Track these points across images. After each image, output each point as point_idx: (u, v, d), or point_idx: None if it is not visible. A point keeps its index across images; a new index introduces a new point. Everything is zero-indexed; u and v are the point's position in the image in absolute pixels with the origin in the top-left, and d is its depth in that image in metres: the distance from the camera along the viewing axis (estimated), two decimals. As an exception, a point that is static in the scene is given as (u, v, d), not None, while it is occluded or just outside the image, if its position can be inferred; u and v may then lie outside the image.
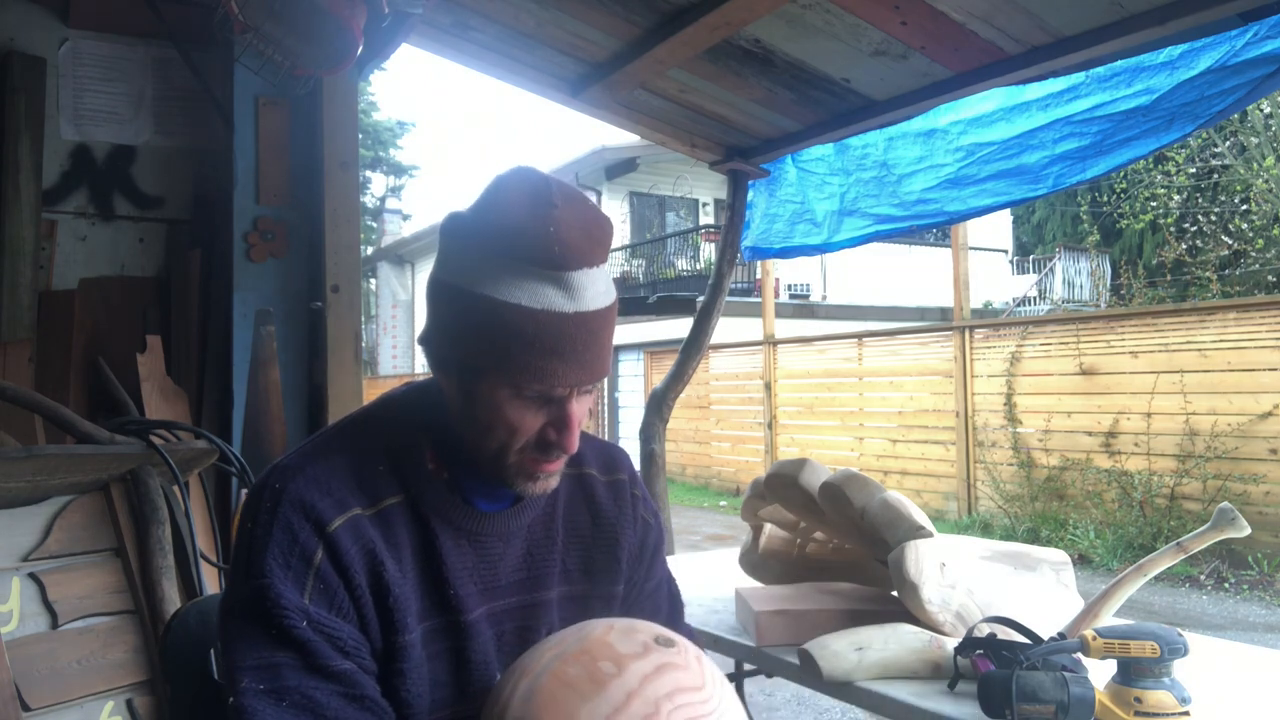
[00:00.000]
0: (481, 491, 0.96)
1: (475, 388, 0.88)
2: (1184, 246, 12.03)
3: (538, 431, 0.89)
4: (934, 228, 3.22)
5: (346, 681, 0.84)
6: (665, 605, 1.14)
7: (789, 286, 14.48)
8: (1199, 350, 6.52)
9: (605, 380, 14.87)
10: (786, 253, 3.37)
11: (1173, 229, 12.45)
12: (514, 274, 0.84)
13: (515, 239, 0.84)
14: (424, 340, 0.92)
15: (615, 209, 15.54)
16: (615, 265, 15.28)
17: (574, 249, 0.84)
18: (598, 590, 1.05)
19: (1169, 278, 13.29)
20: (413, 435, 0.95)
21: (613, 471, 1.11)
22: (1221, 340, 6.41)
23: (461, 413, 0.91)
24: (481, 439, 0.90)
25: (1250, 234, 12.08)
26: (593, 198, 15.55)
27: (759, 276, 12.05)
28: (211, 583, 2.21)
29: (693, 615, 1.89)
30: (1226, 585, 6.07)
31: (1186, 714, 1.23)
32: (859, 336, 9.70)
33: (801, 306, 13.90)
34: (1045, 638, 1.36)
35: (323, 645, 0.84)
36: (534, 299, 0.83)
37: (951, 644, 1.44)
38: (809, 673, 1.49)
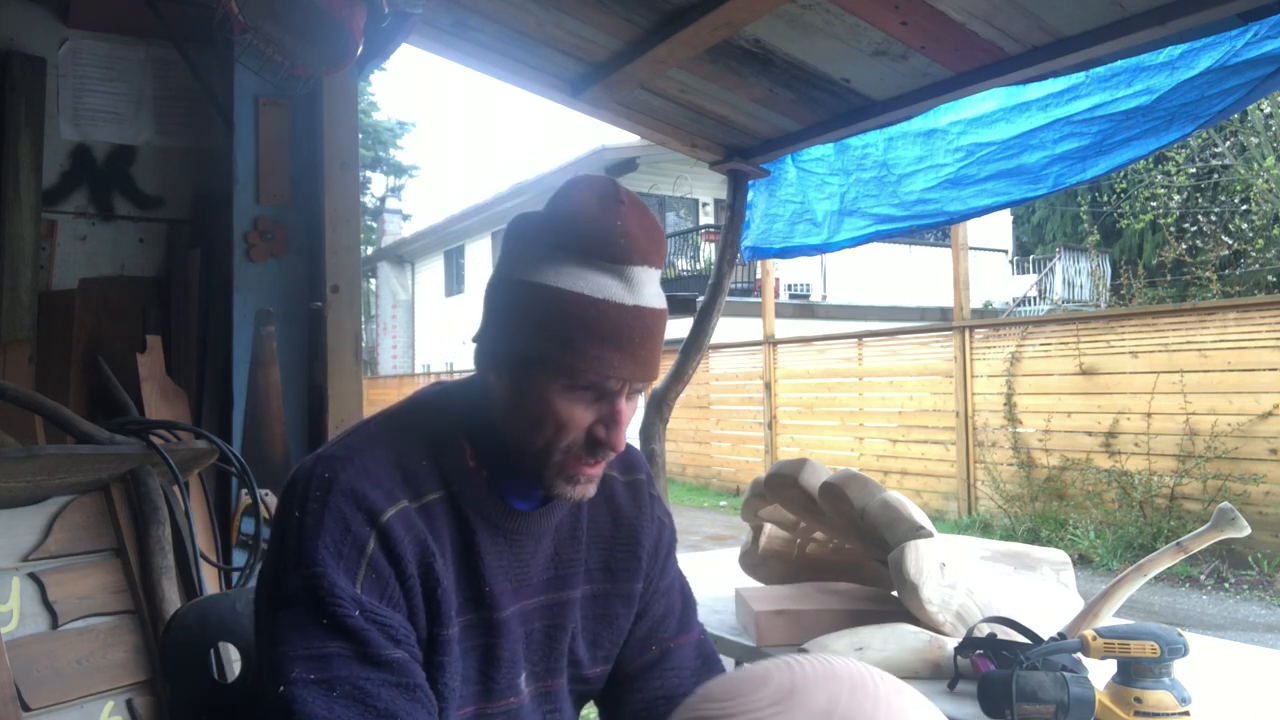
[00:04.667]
0: (517, 490, 0.96)
1: (528, 382, 0.89)
2: (1184, 246, 12.03)
3: (586, 429, 0.90)
4: (934, 228, 3.22)
5: (398, 670, 0.84)
6: (678, 603, 1.15)
7: (789, 286, 14.49)
8: (1199, 350, 6.52)
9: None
10: (786, 253, 3.37)
11: (1173, 229, 12.45)
12: (578, 265, 0.87)
13: (582, 231, 0.87)
14: (478, 337, 0.93)
15: (615, 209, 15.52)
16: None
17: (637, 245, 0.87)
18: (619, 589, 1.06)
19: (1169, 278, 13.30)
20: (452, 432, 0.95)
21: (631, 472, 1.12)
22: (1221, 340, 6.41)
23: (510, 410, 0.91)
24: (528, 435, 0.90)
25: (1250, 234, 12.08)
26: (593, 198, 15.61)
27: (759, 276, 12.06)
28: (211, 583, 2.21)
29: (693, 615, 1.89)
30: (1226, 585, 6.07)
31: (1186, 714, 1.23)
32: (859, 336, 9.70)
33: (801, 306, 13.91)
34: (1045, 638, 1.36)
35: (375, 634, 0.83)
36: (596, 289, 0.86)
37: (951, 644, 1.44)
38: (809, 673, 1.49)
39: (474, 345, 0.95)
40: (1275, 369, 6.11)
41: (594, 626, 1.05)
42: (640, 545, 1.08)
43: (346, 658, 0.82)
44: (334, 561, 0.83)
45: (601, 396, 0.89)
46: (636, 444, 3.67)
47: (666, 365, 3.54)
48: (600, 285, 0.86)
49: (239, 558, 2.43)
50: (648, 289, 0.88)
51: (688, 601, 1.17)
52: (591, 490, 0.95)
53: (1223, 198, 12.66)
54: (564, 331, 0.86)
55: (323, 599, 0.82)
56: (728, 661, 1.89)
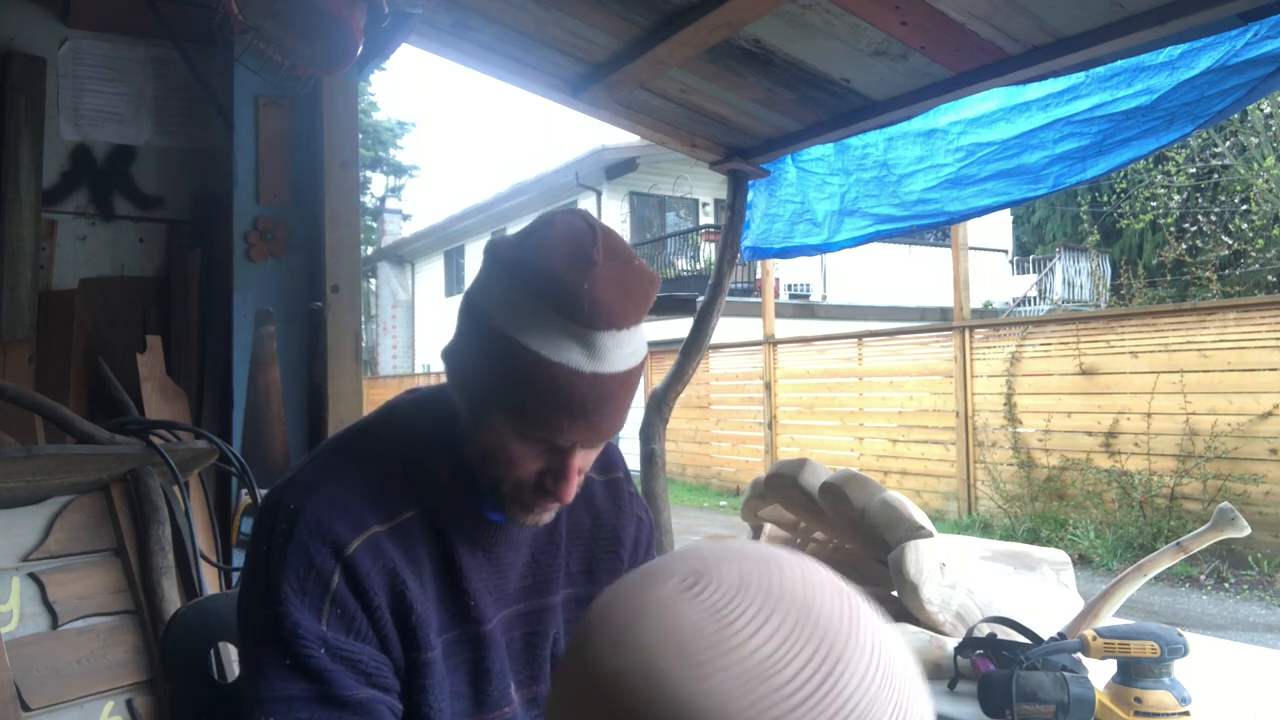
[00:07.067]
0: (491, 501, 0.96)
1: (483, 417, 0.87)
2: (1184, 246, 12.03)
3: (535, 475, 0.88)
4: (934, 228, 3.22)
5: (363, 711, 0.83)
6: None
7: (789, 286, 14.49)
8: (1199, 350, 6.52)
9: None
10: (786, 253, 3.37)
11: (1173, 229, 12.45)
12: (540, 322, 0.81)
13: (548, 287, 0.81)
14: (446, 355, 0.91)
15: (615, 209, 15.53)
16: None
17: (605, 310, 0.81)
18: (600, 590, 1.05)
19: (1169, 278, 13.30)
20: (426, 446, 0.94)
21: (609, 470, 1.11)
22: (1221, 340, 6.40)
23: (469, 435, 0.90)
24: (482, 465, 0.90)
25: (1250, 234, 12.08)
26: (593, 198, 15.60)
27: (759, 276, 12.06)
28: (211, 583, 2.21)
29: (693, 615, 1.88)
30: (1226, 585, 6.07)
31: (1186, 714, 1.23)
32: (859, 336, 9.70)
33: (801, 306, 13.90)
34: (1045, 638, 1.36)
35: (341, 674, 0.83)
36: (554, 351, 0.81)
37: (951, 644, 1.44)
38: (809, 673, 1.49)
39: (443, 361, 0.92)
40: (1275, 369, 6.11)
41: None
42: (621, 545, 1.07)
43: (309, 700, 0.82)
44: (298, 600, 0.83)
45: (552, 449, 0.87)
46: (636, 444, 3.68)
47: (666, 365, 3.55)
48: (558, 348, 0.81)
49: (239, 558, 2.43)
50: (613, 354, 0.83)
51: None
52: (548, 517, 0.93)
53: (1223, 198, 12.65)
54: (516, 387, 0.83)
55: (286, 639, 0.82)
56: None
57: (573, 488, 0.88)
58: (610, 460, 1.12)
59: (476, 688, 0.94)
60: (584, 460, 0.89)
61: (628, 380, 0.85)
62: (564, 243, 0.82)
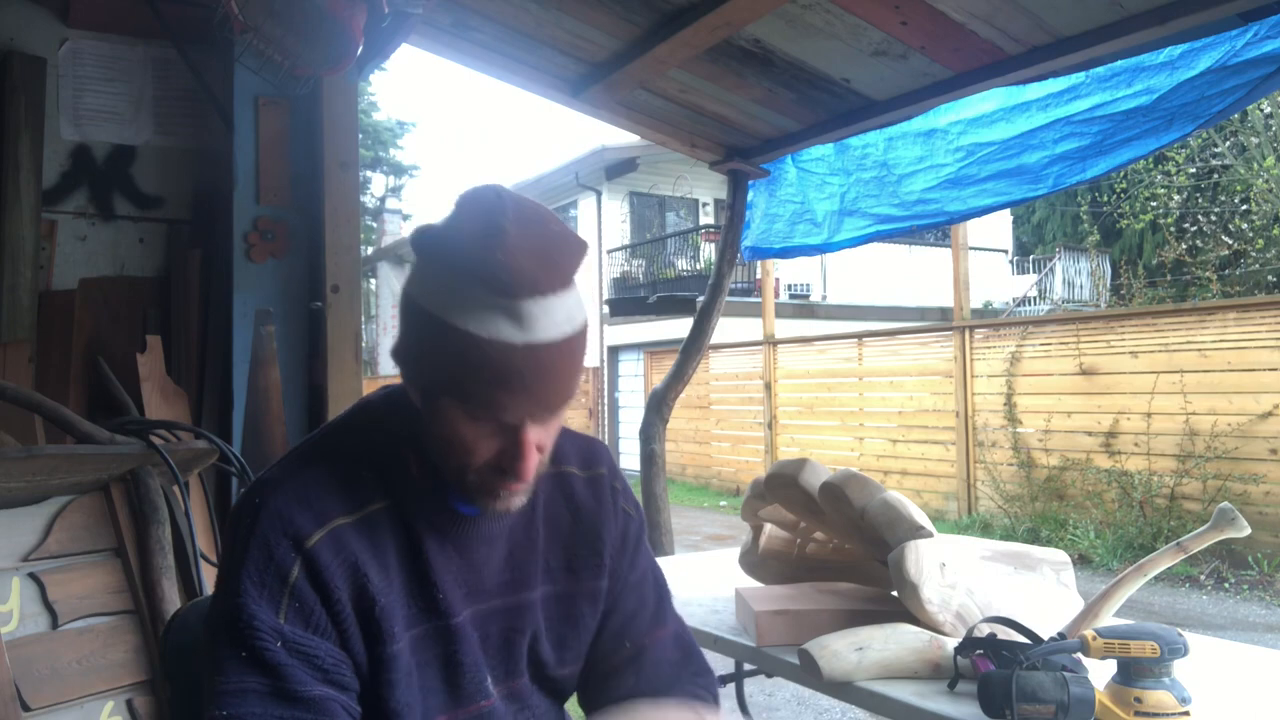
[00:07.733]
0: (459, 494, 0.95)
1: (433, 405, 0.87)
2: (1184, 246, 12.03)
3: (494, 457, 0.87)
4: (934, 228, 3.22)
5: (315, 708, 0.83)
6: (652, 596, 1.12)
7: (789, 286, 14.48)
8: (1199, 350, 6.52)
9: (605, 380, 14.81)
10: (786, 253, 3.37)
11: (1173, 229, 12.45)
12: (465, 299, 0.81)
13: (466, 262, 0.82)
14: (394, 354, 0.91)
15: (615, 209, 15.53)
16: (615, 265, 15.28)
17: (525, 276, 0.81)
18: (583, 588, 1.05)
19: (1169, 278, 13.31)
20: (395, 440, 0.94)
21: (592, 466, 1.09)
22: (1221, 340, 6.41)
23: (426, 427, 0.90)
24: (443, 455, 0.89)
25: (1250, 234, 12.08)
26: (593, 198, 15.59)
27: (759, 276, 12.06)
28: (211, 583, 2.20)
29: (692, 615, 1.89)
30: (1226, 585, 6.07)
31: (1186, 714, 1.23)
32: (859, 336, 9.70)
33: (801, 306, 13.90)
34: (1045, 638, 1.36)
35: (296, 670, 0.83)
36: (481, 326, 0.81)
37: (951, 644, 1.44)
38: (809, 673, 1.49)
39: (393, 359, 0.92)
40: (1275, 369, 6.11)
41: (558, 627, 1.03)
42: (603, 541, 1.06)
43: (262, 694, 0.82)
44: (256, 592, 0.84)
45: (503, 428, 0.86)
46: (636, 444, 3.68)
47: (666, 365, 3.56)
48: (486, 322, 0.81)
49: (239, 558, 2.42)
50: (542, 321, 0.82)
51: (661, 594, 1.14)
52: (518, 503, 0.92)
53: (1223, 198, 12.65)
54: (454, 369, 0.83)
55: (243, 632, 0.83)
56: (725, 663, 1.90)
57: (530, 465, 0.87)
58: (594, 456, 1.10)
59: (450, 682, 0.94)
60: (540, 437, 0.88)
61: (565, 349, 0.84)
62: (476, 217, 0.83)
